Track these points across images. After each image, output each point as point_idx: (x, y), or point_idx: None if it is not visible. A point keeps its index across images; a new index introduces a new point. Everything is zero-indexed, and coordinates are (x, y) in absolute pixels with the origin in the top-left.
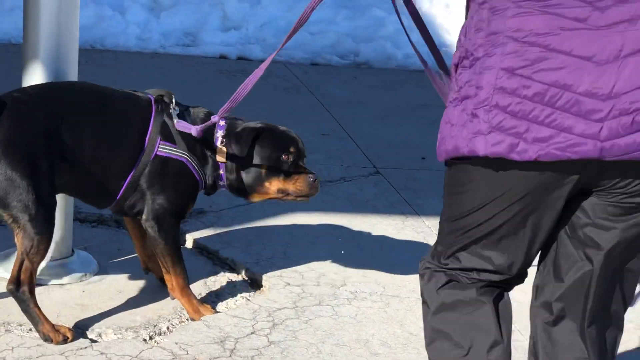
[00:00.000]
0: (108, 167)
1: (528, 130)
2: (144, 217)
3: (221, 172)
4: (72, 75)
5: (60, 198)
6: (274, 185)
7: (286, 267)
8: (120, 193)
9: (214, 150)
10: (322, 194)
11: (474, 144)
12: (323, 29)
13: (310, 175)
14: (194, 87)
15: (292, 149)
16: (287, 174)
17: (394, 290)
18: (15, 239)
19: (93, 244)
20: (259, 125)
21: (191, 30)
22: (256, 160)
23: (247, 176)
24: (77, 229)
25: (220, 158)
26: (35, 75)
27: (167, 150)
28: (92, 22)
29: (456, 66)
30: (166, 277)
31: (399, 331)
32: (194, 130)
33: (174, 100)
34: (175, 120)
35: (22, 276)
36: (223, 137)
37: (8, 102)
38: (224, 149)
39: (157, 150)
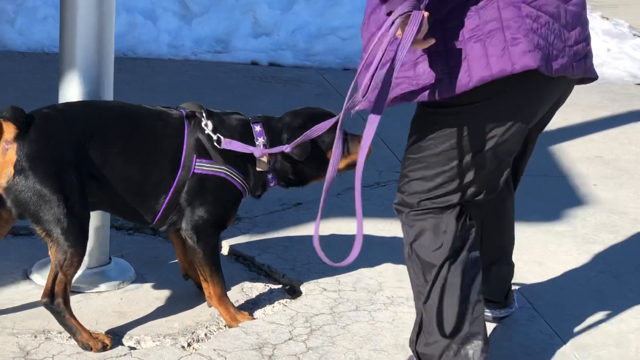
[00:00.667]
0: (142, 187)
1: (551, 49)
2: (182, 226)
3: (269, 175)
4: (108, 83)
5: None
6: (341, 163)
7: (323, 273)
8: (161, 212)
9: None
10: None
11: (525, 61)
12: (354, 34)
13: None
14: (226, 93)
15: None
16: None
17: None
18: (49, 252)
19: (130, 252)
20: (299, 119)
21: (222, 37)
22: (317, 148)
23: (311, 166)
24: (113, 237)
25: (261, 167)
26: (72, 84)
27: (205, 168)
28: (124, 30)
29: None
30: (204, 285)
31: None
32: (257, 152)
33: (204, 115)
34: (222, 143)
35: (57, 288)
36: (264, 144)
37: (36, 118)
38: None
39: (195, 168)
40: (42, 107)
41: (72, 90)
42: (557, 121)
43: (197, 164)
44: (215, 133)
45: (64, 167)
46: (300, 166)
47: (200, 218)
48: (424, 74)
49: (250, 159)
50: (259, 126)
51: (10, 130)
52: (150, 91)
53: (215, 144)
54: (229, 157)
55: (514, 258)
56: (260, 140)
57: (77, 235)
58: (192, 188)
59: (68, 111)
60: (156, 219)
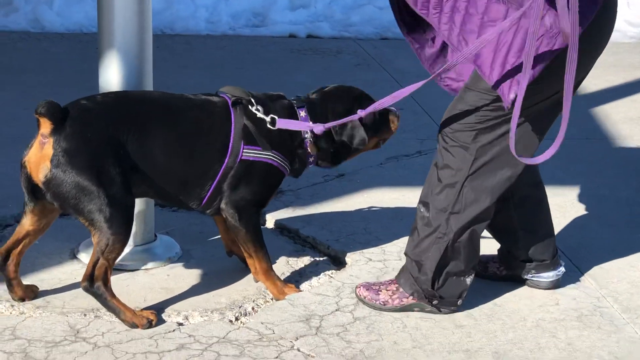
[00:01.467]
0: (187, 177)
1: None
2: (222, 205)
3: (311, 157)
4: (148, 60)
5: None
6: (372, 141)
7: (367, 243)
8: (207, 197)
9: (301, 139)
10: (399, 168)
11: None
12: None
13: (392, 111)
14: (265, 67)
15: (368, 100)
16: (380, 123)
17: None
18: (92, 239)
19: (175, 228)
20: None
21: (260, 10)
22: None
23: (349, 145)
24: (158, 214)
25: (313, 149)
26: (112, 63)
27: (253, 154)
28: (162, 7)
29: None
30: (249, 261)
31: (482, 302)
32: (317, 128)
33: (254, 99)
34: (278, 122)
35: (97, 272)
36: (311, 137)
37: (74, 110)
38: (314, 146)
39: (242, 155)
40: (80, 97)
41: (112, 69)
42: (598, 83)
43: (244, 151)
44: (269, 113)
45: (102, 159)
46: (338, 146)
47: (243, 199)
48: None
49: (294, 142)
50: (303, 111)
51: (46, 125)
52: (189, 67)
53: (269, 125)
54: (275, 142)
55: (557, 222)
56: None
57: (120, 223)
58: (238, 173)
59: (106, 103)
60: (202, 204)
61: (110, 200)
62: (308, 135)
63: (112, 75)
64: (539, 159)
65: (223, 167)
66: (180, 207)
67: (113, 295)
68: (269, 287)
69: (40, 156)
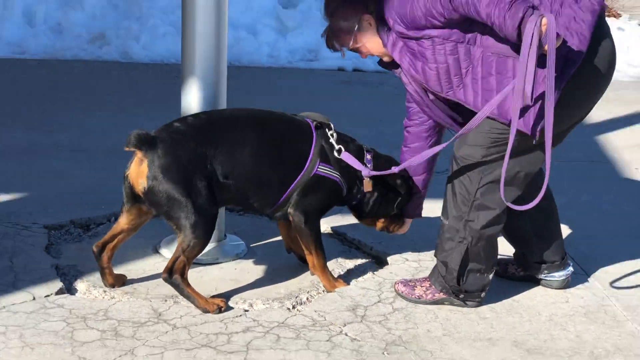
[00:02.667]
0: (269, 184)
1: None
2: (290, 210)
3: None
4: (223, 87)
5: None
6: (382, 222)
7: (404, 247)
8: (279, 203)
9: (360, 179)
10: (432, 184)
11: None
12: None
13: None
14: (317, 95)
15: None
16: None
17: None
18: (177, 239)
19: (241, 229)
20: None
21: (313, 47)
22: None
23: (379, 207)
24: (227, 217)
25: (367, 188)
26: (192, 89)
27: (325, 171)
28: (231, 43)
29: None
30: (308, 257)
31: (502, 299)
32: (365, 171)
33: (333, 129)
34: (342, 154)
35: (176, 267)
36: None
37: (166, 133)
38: (370, 185)
39: (317, 170)
40: (161, 115)
41: (192, 94)
42: (601, 114)
43: (319, 167)
44: (338, 145)
45: (190, 174)
46: (374, 202)
47: (310, 205)
48: None
49: (357, 174)
50: (370, 155)
51: (138, 150)
52: (253, 95)
53: (335, 153)
54: (342, 167)
55: (567, 232)
56: (369, 166)
57: (202, 230)
58: (310, 185)
59: (196, 124)
60: (273, 208)
61: (197, 209)
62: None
63: (192, 99)
64: (526, 207)
65: (299, 178)
66: (254, 212)
67: (188, 285)
68: (322, 280)
69: (138, 172)
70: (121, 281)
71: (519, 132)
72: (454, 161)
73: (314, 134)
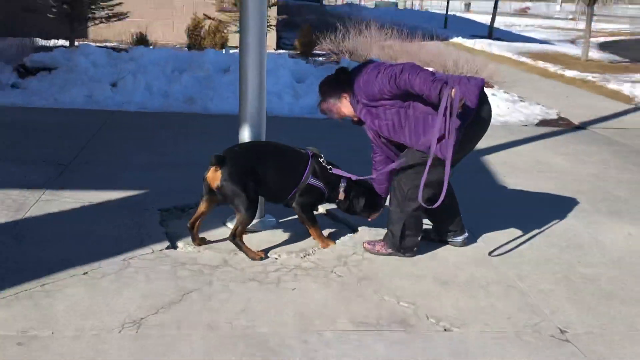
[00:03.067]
0: (283, 186)
1: None
2: (294, 204)
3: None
4: (263, 129)
5: None
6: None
7: (373, 221)
8: (288, 199)
9: (337, 191)
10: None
11: None
12: None
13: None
14: (317, 135)
15: None
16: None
17: None
18: (236, 217)
19: (273, 211)
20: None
21: (314, 105)
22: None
23: (349, 206)
24: (265, 204)
25: (341, 196)
26: (245, 130)
27: (313, 182)
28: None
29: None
30: (309, 230)
31: (425, 252)
32: (353, 177)
33: (322, 156)
34: (330, 167)
35: (237, 232)
36: (344, 189)
37: (231, 152)
38: (343, 194)
39: (309, 181)
40: (226, 146)
41: (245, 132)
42: (488, 142)
43: (310, 180)
44: (328, 165)
45: (245, 177)
46: (349, 202)
47: (304, 202)
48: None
49: (335, 187)
50: (345, 182)
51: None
52: (279, 133)
53: (328, 170)
54: (324, 182)
55: (464, 213)
56: (342, 186)
57: (251, 210)
58: (305, 189)
59: (247, 148)
60: (285, 202)
61: (248, 199)
62: (343, 186)
63: (245, 135)
64: (434, 206)
65: (299, 185)
66: (273, 202)
67: (244, 244)
68: (319, 242)
69: (214, 176)
70: (204, 242)
71: (435, 157)
72: (396, 173)
73: (310, 160)
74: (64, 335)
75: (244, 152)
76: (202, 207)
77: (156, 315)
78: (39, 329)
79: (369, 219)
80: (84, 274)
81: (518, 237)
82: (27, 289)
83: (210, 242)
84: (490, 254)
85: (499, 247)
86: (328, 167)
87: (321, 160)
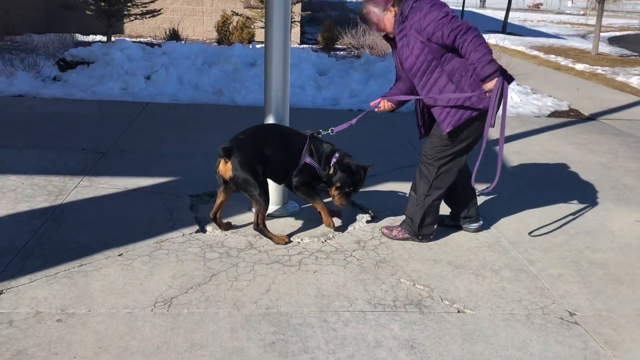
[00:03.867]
0: (284, 167)
1: None
2: (294, 183)
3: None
4: (287, 120)
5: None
6: (334, 190)
7: (386, 208)
8: (288, 179)
9: (329, 166)
10: (404, 173)
11: None
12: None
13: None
14: (336, 122)
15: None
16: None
17: None
18: (252, 205)
19: (296, 198)
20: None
21: (335, 97)
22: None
23: (338, 180)
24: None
25: (331, 172)
26: (270, 122)
27: (310, 161)
28: (290, 95)
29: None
30: (315, 206)
31: (441, 237)
32: (334, 160)
33: (322, 133)
34: (325, 147)
35: (258, 220)
36: (334, 164)
37: (236, 141)
38: (333, 168)
39: (305, 160)
40: (238, 133)
41: (270, 122)
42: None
43: (307, 159)
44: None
45: (254, 164)
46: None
47: (300, 180)
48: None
49: (327, 164)
50: (338, 153)
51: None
52: (301, 125)
53: (323, 148)
54: (320, 160)
55: (480, 200)
56: (333, 161)
57: (265, 196)
58: (301, 168)
59: (250, 134)
60: (286, 181)
61: (259, 185)
62: (334, 161)
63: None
64: (488, 189)
65: (299, 165)
66: (275, 181)
67: (267, 230)
68: (323, 216)
69: (225, 168)
70: (230, 226)
71: (453, 145)
72: (421, 157)
73: (307, 141)
74: (99, 312)
75: (249, 139)
76: (220, 198)
77: (186, 294)
78: (77, 306)
79: (339, 203)
80: (119, 255)
81: (529, 224)
82: (66, 269)
83: (236, 226)
84: (530, 234)
85: (539, 228)
86: (330, 146)
87: (320, 137)
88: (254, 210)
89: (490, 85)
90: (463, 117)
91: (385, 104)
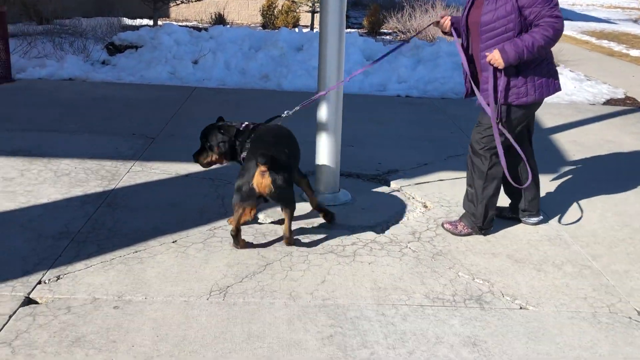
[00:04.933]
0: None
1: None
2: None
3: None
4: (340, 107)
5: (331, 160)
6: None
7: (440, 199)
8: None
9: None
10: (457, 161)
11: None
12: (447, 80)
13: None
14: (383, 110)
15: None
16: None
17: None
18: (285, 212)
19: (348, 187)
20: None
21: (383, 82)
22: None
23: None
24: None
25: None
26: (322, 108)
27: None
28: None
29: None
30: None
31: (500, 229)
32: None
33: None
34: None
35: (291, 230)
36: None
37: (268, 148)
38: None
39: None
40: (257, 140)
41: (322, 110)
42: (556, 120)
43: None
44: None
45: (290, 174)
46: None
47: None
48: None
49: None
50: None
51: (264, 167)
52: (348, 111)
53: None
54: None
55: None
56: None
57: (293, 207)
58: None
59: (273, 139)
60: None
61: (293, 198)
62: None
63: (322, 112)
64: (524, 185)
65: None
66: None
67: (291, 232)
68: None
69: (264, 182)
70: (246, 245)
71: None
72: (471, 147)
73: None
74: (155, 300)
75: (277, 143)
76: (246, 215)
77: (241, 283)
78: (133, 293)
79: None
80: (173, 242)
81: (590, 217)
82: (121, 255)
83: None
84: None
85: (570, 224)
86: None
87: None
88: (286, 215)
89: (491, 55)
90: (516, 99)
91: (447, 22)
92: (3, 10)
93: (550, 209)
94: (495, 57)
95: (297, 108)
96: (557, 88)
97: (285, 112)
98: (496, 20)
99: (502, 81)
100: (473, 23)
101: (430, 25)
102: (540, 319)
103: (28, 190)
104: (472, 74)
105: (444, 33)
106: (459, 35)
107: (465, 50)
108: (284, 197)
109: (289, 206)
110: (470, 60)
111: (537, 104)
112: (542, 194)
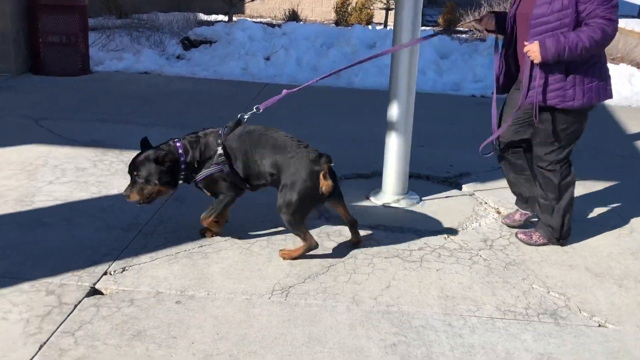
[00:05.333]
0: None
1: None
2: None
3: None
4: (412, 107)
5: (400, 161)
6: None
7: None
8: None
9: None
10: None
11: None
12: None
13: None
14: (459, 110)
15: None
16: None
17: None
18: (341, 207)
19: (417, 189)
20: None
21: (457, 82)
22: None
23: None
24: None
25: None
26: (394, 105)
27: None
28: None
29: None
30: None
31: (578, 240)
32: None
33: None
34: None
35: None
36: None
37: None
38: None
39: None
40: (287, 146)
41: (394, 109)
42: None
43: None
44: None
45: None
46: None
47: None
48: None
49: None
50: None
51: (325, 170)
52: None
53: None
54: None
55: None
56: None
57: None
58: None
59: (298, 143)
60: None
61: None
62: None
63: (393, 110)
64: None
65: None
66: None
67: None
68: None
69: (328, 183)
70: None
71: None
72: (536, 168)
73: None
74: (218, 297)
75: (305, 147)
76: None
77: (303, 284)
78: (196, 289)
79: None
80: (238, 238)
81: None
82: (186, 249)
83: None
84: None
85: None
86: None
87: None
88: (346, 211)
89: (530, 46)
90: (561, 102)
91: (488, 23)
92: (84, 4)
93: (634, 219)
94: (533, 50)
95: (256, 110)
96: (609, 95)
97: (242, 114)
98: (551, 13)
99: (538, 77)
100: (522, 15)
101: (471, 22)
102: (621, 339)
103: (100, 180)
104: (510, 72)
105: (488, 31)
106: (503, 32)
107: (508, 45)
108: (339, 192)
109: (343, 198)
110: (514, 56)
111: (586, 110)
112: (624, 203)
